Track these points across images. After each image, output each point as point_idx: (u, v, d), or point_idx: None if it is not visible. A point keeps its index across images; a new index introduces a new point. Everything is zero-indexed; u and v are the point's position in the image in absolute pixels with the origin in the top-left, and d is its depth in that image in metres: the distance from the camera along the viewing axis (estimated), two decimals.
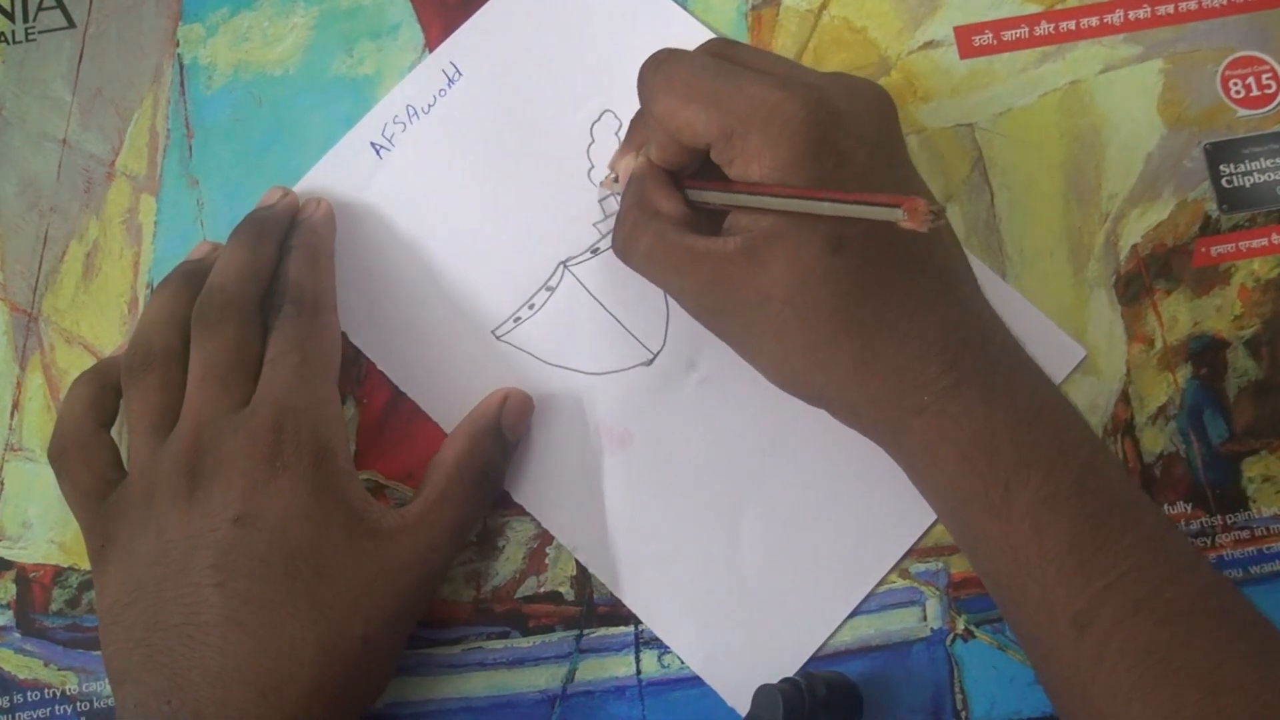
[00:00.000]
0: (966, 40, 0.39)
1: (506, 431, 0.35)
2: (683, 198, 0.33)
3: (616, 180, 0.36)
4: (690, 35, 0.39)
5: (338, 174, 0.39)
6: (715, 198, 0.31)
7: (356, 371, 0.37)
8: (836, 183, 0.28)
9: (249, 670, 0.29)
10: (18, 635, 0.37)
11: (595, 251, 0.37)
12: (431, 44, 0.40)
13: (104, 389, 0.35)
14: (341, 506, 0.32)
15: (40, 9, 0.41)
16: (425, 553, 0.32)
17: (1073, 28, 0.39)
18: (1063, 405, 0.30)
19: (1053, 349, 0.36)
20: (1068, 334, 0.36)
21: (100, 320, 0.39)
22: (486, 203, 0.38)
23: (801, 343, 0.29)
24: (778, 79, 0.30)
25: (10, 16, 0.41)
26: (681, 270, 0.31)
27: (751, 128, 0.29)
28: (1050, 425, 0.28)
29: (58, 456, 0.34)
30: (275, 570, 0.30)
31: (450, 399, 0.37)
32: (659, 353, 0.37)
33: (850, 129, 0.29)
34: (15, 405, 0.38)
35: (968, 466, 0.28)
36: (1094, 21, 0.39)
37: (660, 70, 0.31)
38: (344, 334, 0.37)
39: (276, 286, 0.35)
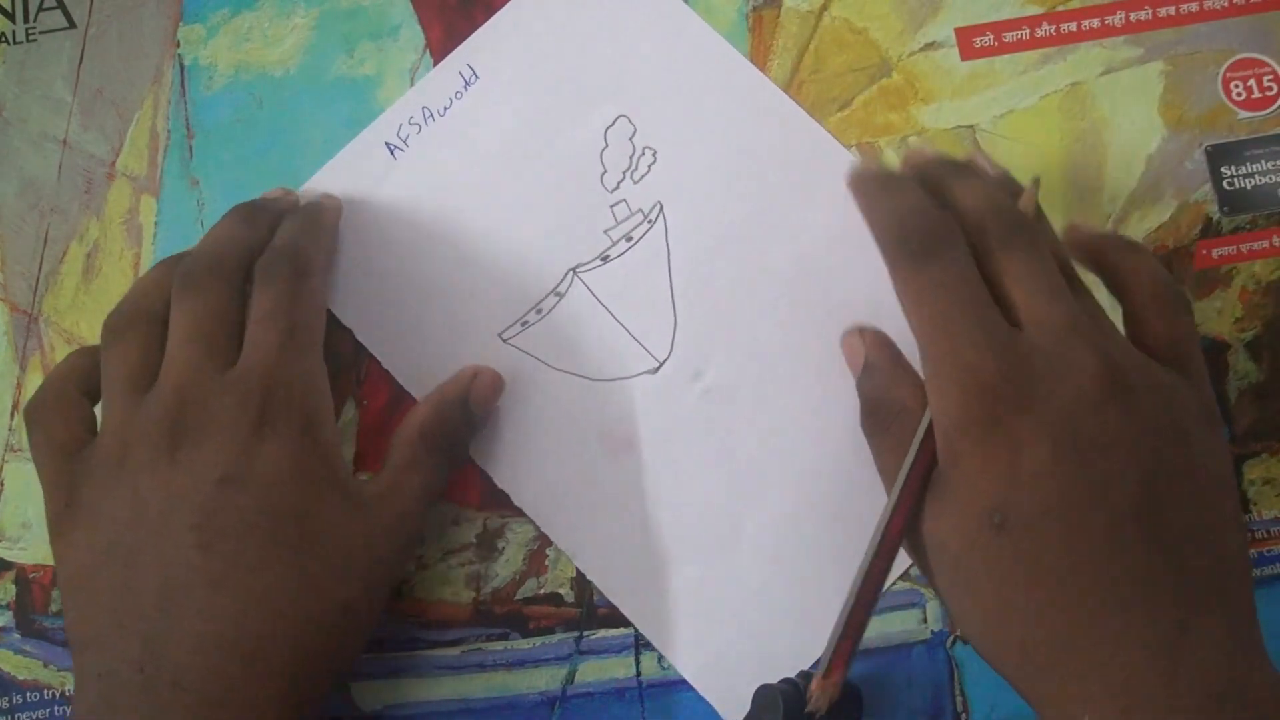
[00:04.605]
0: (968, 42, 0.39)
1: (473, 405, 0.35)
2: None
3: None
4: (704, 42, 0.39)
5: (351, 172, 0.39)
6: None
7: (357, 372, 0.37)
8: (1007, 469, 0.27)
9: (232, 636, 0.29)
10: (17, 636, 0.37)
11: (605, 259, 0.37)
12: (432, 45, 0.40)
13: (94, 364, 0.34)
14: (327, 472, 0.31)
15: (41, 9, 0.41)
16: (400, 520, 0.33)
17: (1074, 29, 0.39)
18: None
19: None
20: None
21: (100, 321, 0.38)
22: (498, 206, 0.38)
23: (962, 611, 0.28)
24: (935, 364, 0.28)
25: (10, 17, 0.41)
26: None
27: (934, 373, 0.28)
28: None
29: (34, 409, 0.33)
30: (260, 533, 0.30)
31: None
32: (665, 361, 0.37)
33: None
34: (15, 406, 0.38)
35: None
36: (1095, 23, 0.39)
37: (923, 260, 0.29)
38: (351, 332, 0.37)
39: (269, 246, 0.34)
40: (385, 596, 0.33)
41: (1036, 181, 0.32)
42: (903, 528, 0.28)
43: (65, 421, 0.33)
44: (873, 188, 0.32)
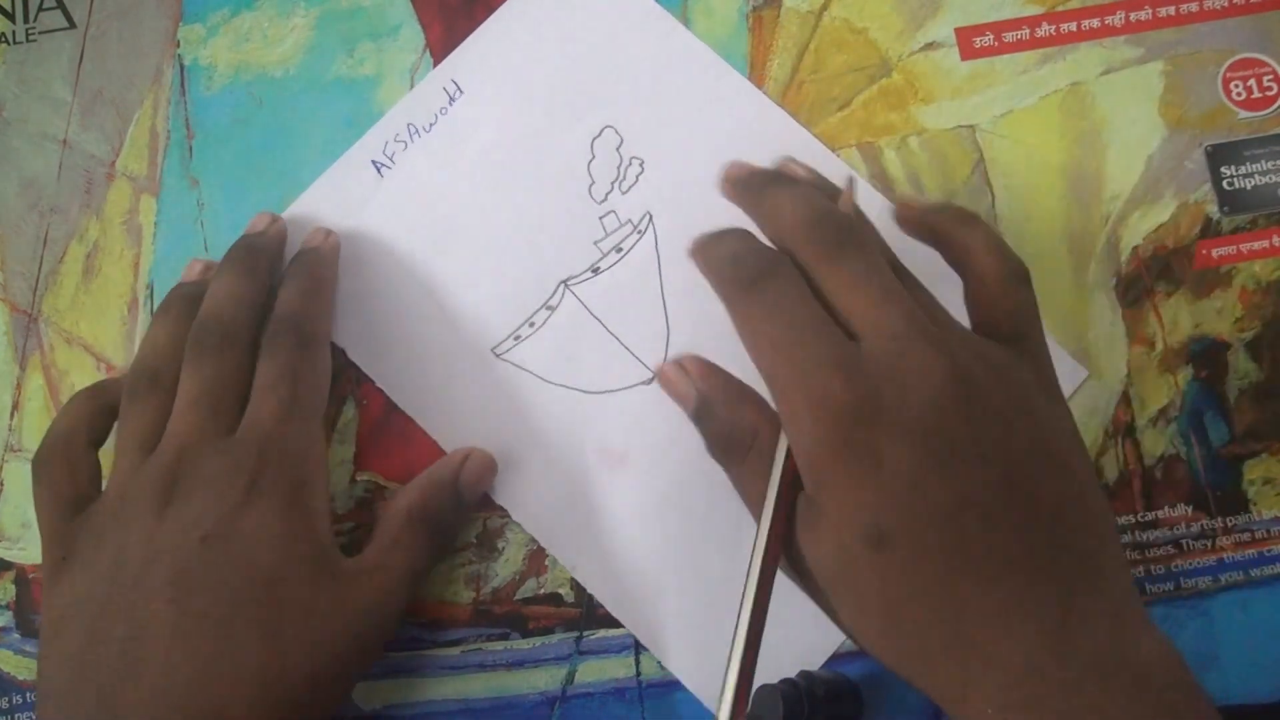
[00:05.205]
0: (968, 41, 0.39)
1: (464, 489, 0.35)
2: None
3: None
4: (689, 51, 0.39)
5: (337, 192, 0.38)
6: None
7: (356, 372, 0.37)
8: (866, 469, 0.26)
9: (190, 693, 0.28)
10: (17, 636, 0.37)
11: (596, 271, 0.37)
12: (432, 44, 0.40)
13: (101, 409, 0.35)
14: (310, 541, 0.31)
15: (41, 9, 0.41)
16: (381, 597, 0.32)
17: (1074, 29, 0.39)
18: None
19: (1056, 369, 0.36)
20: (1069, 349, 0.36)
21: (100, 321, 0.39)
22: (487, 221, 0.38)
23: (855, 627, 0.27)
24: (800, 384, 0.27)
25: (10, 17, 0.41)
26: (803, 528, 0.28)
27: (781, 400, 0.27)
28: None
29: (42, 462, 0.34)
30: (234, 592, 0.30)
31: (449, 417, 0.37)
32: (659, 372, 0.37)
33: (892, 427, 0.26)
34: (15, 406, 0.38)
35: None
36: (1095, 23, 0.39)
37: (755, 287, 0.28)
38: (343, 350, 0.37)
39: (274, 312, 0.34)
40: (359, 673, 0.33)
41: (852, 180, 0.31)
42: (778, 556, 0.28)
43: (71, 476, 0.33)
44: (704, 243, 0.31)
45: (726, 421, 0.30)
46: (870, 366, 0.26)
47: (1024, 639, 0.25)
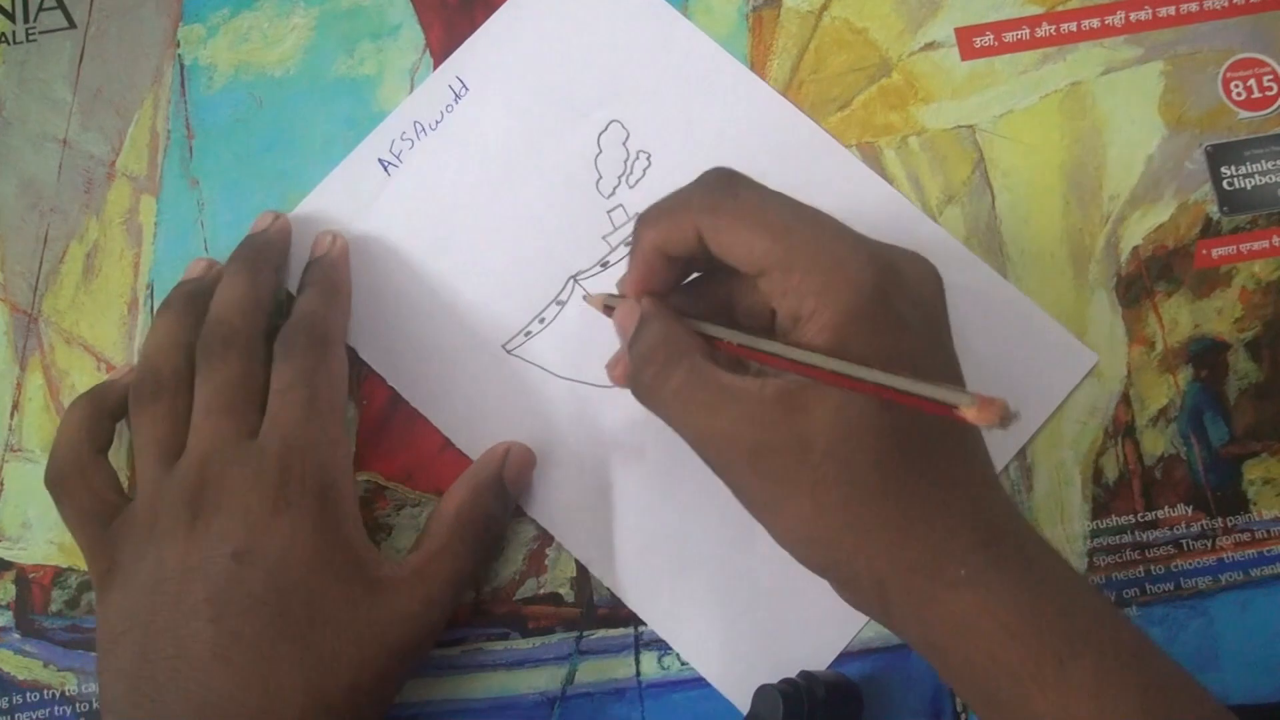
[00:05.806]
0: (968, 41, 0.39)
1: (509, 485, 0.35)
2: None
3: (612, 307, 0.32)
4: (694, 46, 0.39)
5: (345, 190, 0.39)
6: (769, 347, 0.28)
7: (357, 373, 0.37)
8: (894, 346, 0.27)
9: (231, 709, 0.29)
10: (17, 636, 0.37)
11: (605, 265, 0.37)
12: (432, 44, 0.40)
13: (100, 414, 0.35)
14: (342, 550, 0.31)
15: (41, 9, 0.41)
16: (422, 605, 0.32)
17: (1074, 29, 0.39)
18: (1090, 585, 0.29)
19: (1064, 355, 0.36)
20: (1077, 339, 0.36)
21: (100, 321, 0.39)
22: (495, 217, 0.38)
23: (839, 498, 0.27)
24: (846, 232, 0.28)
25: (11, 17, 0.41)
26: (713, 409, 0.28)
27: (817, 268, 0.27)
28: (1091, 597, 0.27)
29: (57, 481, 0.34)
30: (269, 609, 0.30)
31: (461, 414, 0.37)
32: None
33: (910, 297, 0.28)
34: (15, 406, 0.38)
35: (1012, 640, 0.26)
36: (1095, 23, 0.39)
37: (729, 192, 0.29)
38: (353, 349, 0.37)
39: (289, 317, 0.34)
40: (400, 683, 0.33)
41: None
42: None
43: (89, 489, 0.33)
44: (646, 216, 0.30)
45: (665, 332, 0.29)
46: (874, 245, 0.28)
47: (982, 508, 0.27)
